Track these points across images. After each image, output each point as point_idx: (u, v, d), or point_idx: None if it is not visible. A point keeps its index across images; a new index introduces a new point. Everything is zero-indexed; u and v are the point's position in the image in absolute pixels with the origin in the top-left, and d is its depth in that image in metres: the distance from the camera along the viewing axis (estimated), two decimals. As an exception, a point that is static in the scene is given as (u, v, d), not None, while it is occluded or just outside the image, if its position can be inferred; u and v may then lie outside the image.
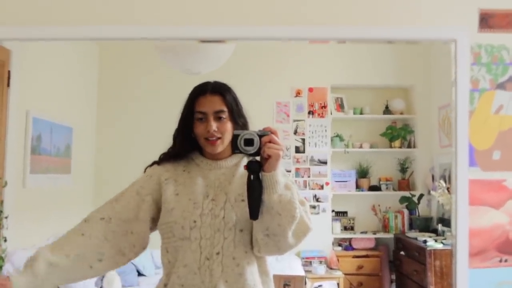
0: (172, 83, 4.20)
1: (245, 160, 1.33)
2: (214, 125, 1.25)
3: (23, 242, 2.94)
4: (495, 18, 1.17)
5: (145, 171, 1.36)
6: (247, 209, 1.19)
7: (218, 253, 1.20)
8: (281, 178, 1.17)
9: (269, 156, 1.13)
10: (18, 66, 2.95)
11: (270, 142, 1.14)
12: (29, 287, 1.15)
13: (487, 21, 1.17)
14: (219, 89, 1.30)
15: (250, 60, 4.23)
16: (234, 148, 1.18)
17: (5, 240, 2.69)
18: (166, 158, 1.34)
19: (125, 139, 4.28)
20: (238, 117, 1.31)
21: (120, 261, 1.26)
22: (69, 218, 3.65)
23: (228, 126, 1.27)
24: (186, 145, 1.32)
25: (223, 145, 1.28)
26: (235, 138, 1.18)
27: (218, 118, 1.27)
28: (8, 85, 2.87)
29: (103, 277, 3.07)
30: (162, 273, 1.29)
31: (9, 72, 2.87)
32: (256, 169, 1.15)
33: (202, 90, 1.30)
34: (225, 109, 1.27)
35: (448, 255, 3.39)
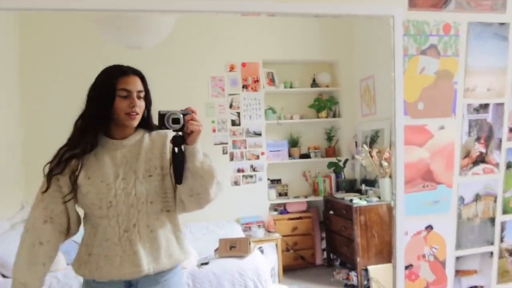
0: (98, 55, 4.16)
1: (146, 136, 1.53)
2: (137, 103, 1.44)
3: None
4: (420, 0, 1.56)
5: (44, 169, 1.47)
6: (155, 183, 1.45)
7: (134, 225, 1.43)
8: (200, 148, 1.41)
9: (192, 132, 1.37)
10: None
11: (191, 120, 1.37)
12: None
13: (414, 2, 1.56)
14: (139, 73, 1.50)
15: (186, 36, 4.39)
16: (161, 125, 1.39)
17: None
18: (76, 154, 1.45)
19: (52, 116, 4.18)
20: (149, 98, 1.52)
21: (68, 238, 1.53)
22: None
23: (143, 104, 1.48)
24: (97, 129, 1.47)
25: (138, 120, 1.47)
26: (161, 116, 1.38)
27: (139, 97, 1.46)
28: None
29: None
30: (83, 242, 1.49)
31: None
32: (180, 142, 1.39)
33: (124, 71, 1.46)
34: (143, 89, 1.48)
35: (372, 210, 3.94)
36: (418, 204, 1.62)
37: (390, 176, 4.04)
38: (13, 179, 3.94)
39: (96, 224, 1.44)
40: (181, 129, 1.38)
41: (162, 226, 1.46)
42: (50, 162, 1.46)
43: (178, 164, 1.39)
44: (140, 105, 1.45)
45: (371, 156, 4.08)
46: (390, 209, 4.04)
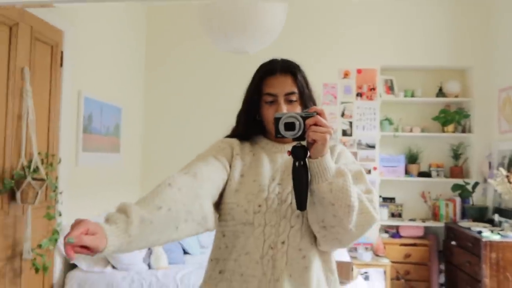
0: (221, 61, 4.11)
1: None
2: (285, 109, 1.16)
3: (76, 217, 2.97)
4: None
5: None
6: None
7: (283, 243, 1.10)
8: (331, 163, 1.04)
9: (315, 141, 1.01)
10: (70, 47, 2.95)
11: (315, 124, 1.01)
12: (119, 249, 0.89)
13: None
14: (289, 68, 1.21)
15: (298, 41, 4.06)
16: (276, 133, 1.05)
17: (60, 214, 2.72)
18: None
19: (173, 120, 4.25)
20: (308, 100, 1.20)
21: (201, 229, 1.05)
22: (118, 196, 3.71)
23: (299, 110, 1.18)
24: (250, 127, 1.25)
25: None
26: (276, 121, 1.05)
27: (289, 101, 1.18)
28: (61, 65, 2.87)
29: (150, 253, 3.05)
30: (212, 257, 1.18)
31: (62, 52, 2.87)
32: (301, 155, 1.04)
33: (271, 70, 1.21)
34: (296, 90, 1.18)
35: (507, 248, 3.14)
36: None
37: (535, 209, 3.18)
38: (133, 174, 4.07)
39: (236, 233, 1.13)
40: (301, 137, 1.04)
41: (316, 257, 1.13)
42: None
43: (298, 184, 1.04)
44: (292, 111, 1.16)
45: (510, 182, 3.26)
46: (532, 249, 3.20)
